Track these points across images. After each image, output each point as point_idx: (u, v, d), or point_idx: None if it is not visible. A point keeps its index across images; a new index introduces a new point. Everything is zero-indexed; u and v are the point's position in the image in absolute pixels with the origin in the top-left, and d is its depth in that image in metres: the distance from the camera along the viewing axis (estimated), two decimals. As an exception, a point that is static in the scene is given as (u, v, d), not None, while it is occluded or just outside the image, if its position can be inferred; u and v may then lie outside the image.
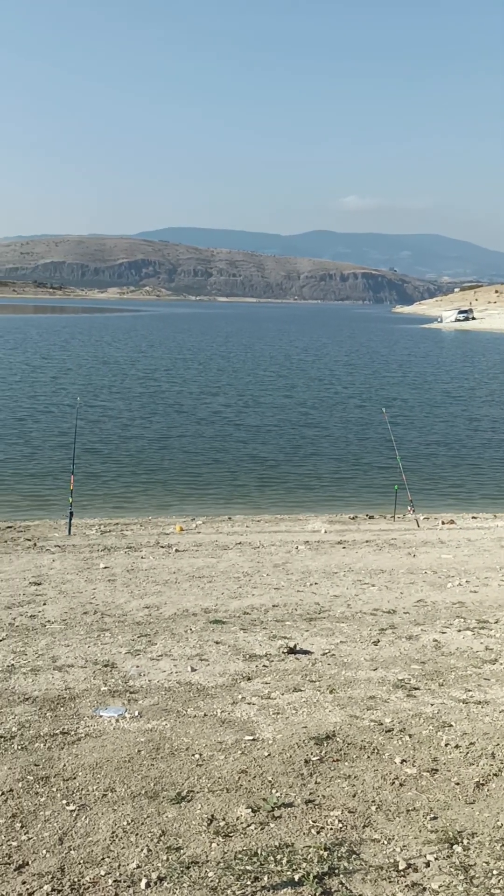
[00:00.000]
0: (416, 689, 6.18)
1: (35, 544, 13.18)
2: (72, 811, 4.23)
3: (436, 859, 3.83)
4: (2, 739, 5.12)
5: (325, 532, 14.91)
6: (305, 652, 7.19)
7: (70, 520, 14.70)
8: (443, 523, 16.15)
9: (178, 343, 79.05)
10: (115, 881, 3.61)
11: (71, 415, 27.74)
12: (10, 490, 19.16)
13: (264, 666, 6.75)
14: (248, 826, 4.08)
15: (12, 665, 6.70)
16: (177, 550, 12.62)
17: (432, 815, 4.23)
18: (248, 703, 5.83)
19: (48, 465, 21.72)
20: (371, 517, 17.22)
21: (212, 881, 3.61)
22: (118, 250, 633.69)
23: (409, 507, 16.24)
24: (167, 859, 3.78)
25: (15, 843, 3.91)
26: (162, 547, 12.95)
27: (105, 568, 11.08)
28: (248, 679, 6.40)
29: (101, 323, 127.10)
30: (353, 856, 3.82)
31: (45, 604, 9.01)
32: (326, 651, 7.22)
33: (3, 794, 4.40)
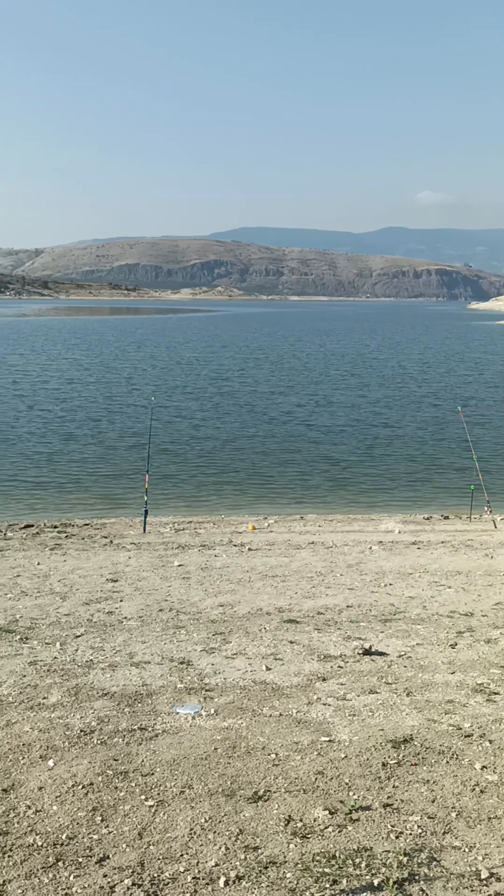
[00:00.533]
0: (495, 693, 6.04)
1: (111, 542, 13.41)
2: (150, 807, 4.27)
3: (519, 870, 3.73)
4: (82, 733, 5.21)
5: (399, 532, 14.73)
6: (381, 653, 7.11)
7: (145, 518, 14.91)
8: (521, 525, 15.76)
9: (249, 343, 79.35)
10: (193, 878, 3.63)
11: (144, 415, 28.19)
12: (85, 490, 19.54)
13: (339, 667, 6.70)
14: (326, 828, 4.05)
15: (91, 660, 6.82)
16: (250, 549, 12.66)
17: (515, 824, 4.12)
18: (324, 704, 5.79)
19: (122, 464, 22.08)
20: (446, 517, 16.94)
21: (290, 882, 3.59)
22: (191, 251, 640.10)
23: (485, 508, 15.91)
24: (245, 858, 3.77)
25: (96, 837, 3.97)
26: (235, 545, 13.00)
27: (179, 566, 11.18)
28: (324, 679, 6.36)
29: (174, 323, 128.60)
30: (434, 863, 3.75)
31: (121, 600, 9.15)
32: (402, 653, 7.12)
33: (83, 787, 4.47)
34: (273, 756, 4.88)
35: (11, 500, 18.34)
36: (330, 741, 5.12)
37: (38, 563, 11.31)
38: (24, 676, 6.36)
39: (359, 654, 7.06)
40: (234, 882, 3.60)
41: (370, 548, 12.79)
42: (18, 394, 36.99)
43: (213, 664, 6.74)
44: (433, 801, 4.34)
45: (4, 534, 14.31)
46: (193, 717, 5.53)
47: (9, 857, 3.79)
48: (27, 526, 15.14)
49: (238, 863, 3.74)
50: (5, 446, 24.34)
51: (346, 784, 4.53)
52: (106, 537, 13.96)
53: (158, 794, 4.41)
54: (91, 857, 3.79)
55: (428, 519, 16.68)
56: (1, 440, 25.28)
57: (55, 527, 15.12)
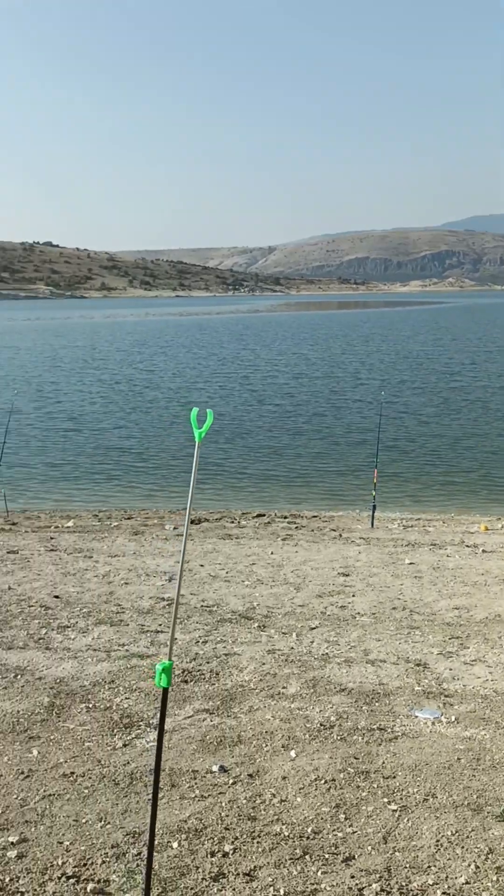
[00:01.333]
0: None
1: (340, 535, 13.45)
2: (393, 811, 4.19)
3: None
4: (322, 727, 5.23)
5: None
6: None
7: (373, 513, 14.80)
8: None
9: (481, 335, 76.43)
10: (443, 893, 3.50)
11: (370, 410, 28.05)
12: (310, 484, 19.76)
13: None
14: None
15: (326, 654, 6.85)
16: (483, 551, 12.15)
17: None
18: None
19: (348, 460, 22.07)
20: None
21: (548, 914, 3.36)
22: (421, 243, 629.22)
23: None
24: (497, 881, 3.58)
25: (340, 835, 3.95)
26: (467, 546, 12.54)
27: (410, 564, 10.97)
28: None
29: (402, 317, 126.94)
30: None
31: (353, 595, 9.12)
32: None
33: (325, 782, 4.48)
34: (521, 774, 4.62)
35: (241, 492, 18.97)
36: None
37: (272, 553, 11.59)
38: (264, 664, 6.51)
39: None
40: (487, 904, 3.43)
41: None
42: (249, 388, 38.24)
43: (450, 669, 6.52)
44: None
45: (238, 522, 14.84)
46: (433, 723, 5.38)
47: (258, 842, 3.87)
48: (259, 515, 15.60)
49: (490, 884, 3.56)
50: (236, 439, 25.25)
51: None
52: (335, 530, 14.02)
53: (401, 798, 4.32)
54: (337, 854, 3.78)
55: None
56: (233, 433, 26.25)
57: (285, 517, 15.45)
